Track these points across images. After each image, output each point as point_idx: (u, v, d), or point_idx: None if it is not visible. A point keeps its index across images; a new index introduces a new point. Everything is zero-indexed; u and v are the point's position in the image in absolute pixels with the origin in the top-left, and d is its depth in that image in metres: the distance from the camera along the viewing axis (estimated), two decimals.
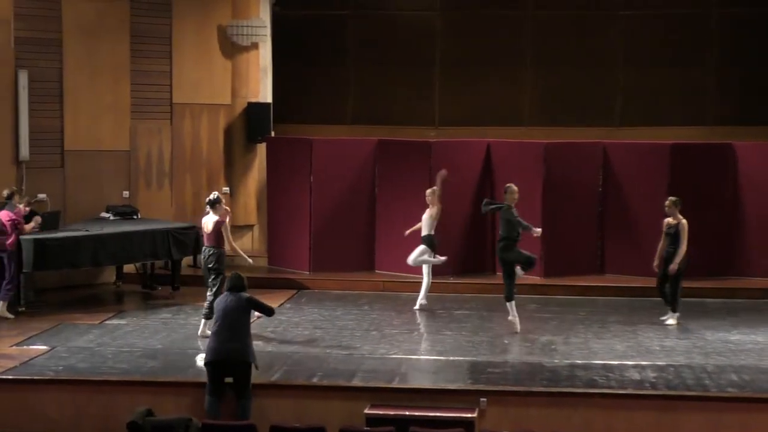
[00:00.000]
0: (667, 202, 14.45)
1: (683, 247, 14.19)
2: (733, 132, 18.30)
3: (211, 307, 12.96)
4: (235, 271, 11.60)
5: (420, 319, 14.84)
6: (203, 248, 13.69)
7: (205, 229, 13.57)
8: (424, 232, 15.12)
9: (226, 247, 13.58)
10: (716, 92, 18.94)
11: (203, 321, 13.49)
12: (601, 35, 19.11)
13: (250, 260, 14.39)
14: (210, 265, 13.48)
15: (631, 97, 19.05)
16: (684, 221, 14.27)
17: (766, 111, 18.71)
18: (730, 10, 18.93)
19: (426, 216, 15.12)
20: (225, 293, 11.21)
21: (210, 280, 13.49)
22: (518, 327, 13.79)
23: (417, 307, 15.18)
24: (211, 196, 13.59)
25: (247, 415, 10.63)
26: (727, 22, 18.92)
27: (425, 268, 15.24)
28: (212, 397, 10.79)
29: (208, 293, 13.47)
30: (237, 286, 11.16)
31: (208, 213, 13.54)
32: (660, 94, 18.95)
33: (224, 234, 13.44)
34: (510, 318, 13.84)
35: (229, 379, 10.87)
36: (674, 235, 14.26)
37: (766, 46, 18.76)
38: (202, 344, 12.82)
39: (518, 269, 13.88)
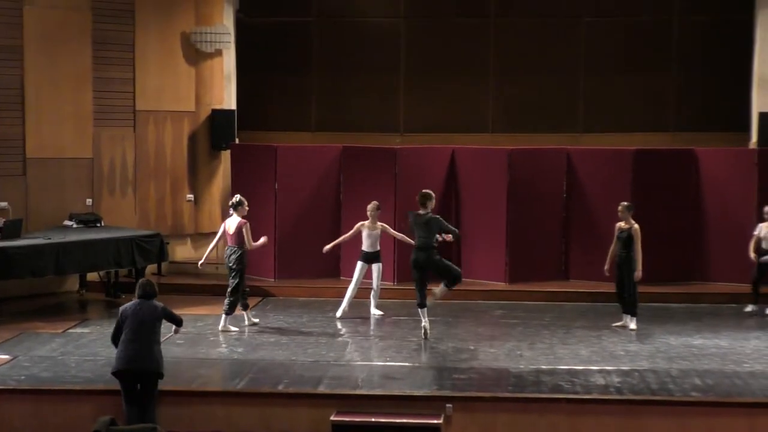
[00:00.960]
0: (620, 207, 14.54)
1: (639, 252, 14.27)
2: (694, 138, 18.44)
3: (231, 305, 14.27)
4: (146, 278, 11.59)
5: (386, 325, 14.82)
6: (226, 248, 14.44)
7: (228, 231, 14.36)
8: (376, 248, 15.10)
9: (247, 247, 14.31)
10: (678, 99, 19.08)
11: (224, 317, 14.31)
12: (564, 42, 19.21)
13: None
14: (231, 265, 14.29)
15: (594, 103, 19.15)
16: (636, 226, 14.37)
17: (727, 117, 18.88)
18: (692, 18, 19.08)
19: (374, 233, 15.09)
20: (136, 300, 11.03)
21: (230, 278, 14.29)
22: (428, 333, 13.73)
23: (340, 314, 15.18)
24: (234, 199, 14.45)
25: (153, 420, 10.53)
26: (688, 29, 19.07)
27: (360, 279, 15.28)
28: (129, 406, 10.63)
29: (229, 290, 14.30)
30: (148, 293, 11.03)
31: (231, 215, 14.42)
32: (623, 100, 19.07)
33: (245, 235, 14.22)
34: (423, 324, 13.78)
35: None
36: (626, 239, 14.35)
37: (726, 52, 18.93)
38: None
39: (443, 286, 13.82)
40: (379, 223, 15.21)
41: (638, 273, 14.26)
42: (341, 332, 14.38)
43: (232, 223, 14.35)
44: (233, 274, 14.32)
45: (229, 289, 14.32)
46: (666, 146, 18.27)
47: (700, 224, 17.33)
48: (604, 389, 11.44)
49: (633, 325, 14.42)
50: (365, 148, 17.71)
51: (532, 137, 18.66)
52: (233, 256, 14.31)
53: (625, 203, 14.58)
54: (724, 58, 18.93)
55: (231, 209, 14.47)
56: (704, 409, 10.88)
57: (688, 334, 14.23)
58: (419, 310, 13.80)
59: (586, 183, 17.32)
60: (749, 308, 15.74)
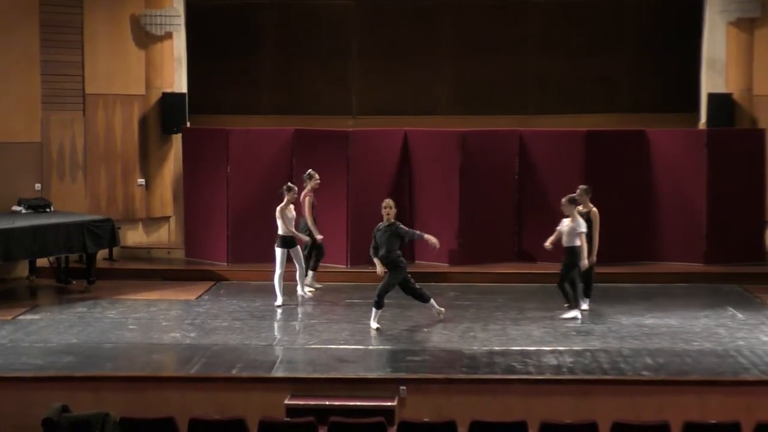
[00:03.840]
0: (577, 190, 14.58)
1: (596, 237, 14.33)
2: (645, 119, 18.57)
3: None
4: None
5: (339, 308, 14.83)
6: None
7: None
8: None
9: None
10: (629, 80, 19.21)
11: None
12: (516, 24, 19.25)
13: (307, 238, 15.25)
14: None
15: (545, 85, 19.23)
16: (594, 209, 14.41)
17: (677, 99, 19.05)
18: None
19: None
20: None
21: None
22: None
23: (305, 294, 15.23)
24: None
25: None
26: (639, 10, 19.19)
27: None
28: None
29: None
30: None
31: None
32: (574, 82, 19.16)
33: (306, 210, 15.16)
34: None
35: None
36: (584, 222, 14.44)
37: (676, 34, 19.07)
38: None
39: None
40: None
41: (592, 258, 14.31)
42: (294, 316, 14.36)
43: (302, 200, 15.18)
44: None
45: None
46: (617, 127, 18.39)
47: (651, 205, 17.48)
48: (557, 369, 11.53)
49: (585, 306, 14.51)
50: (317, 132, 17.66)
51: (484, 119, 18.69)
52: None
53: (583, 186, 14.59)
54: (674, 39, 19.07)
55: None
56: (655, 388, 11.01)
57: (639, 314, 14.37)
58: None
59: (539, 164, 17.40)
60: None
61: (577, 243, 13.95)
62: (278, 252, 14.87)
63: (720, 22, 18.38)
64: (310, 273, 15.70)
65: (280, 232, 14.86)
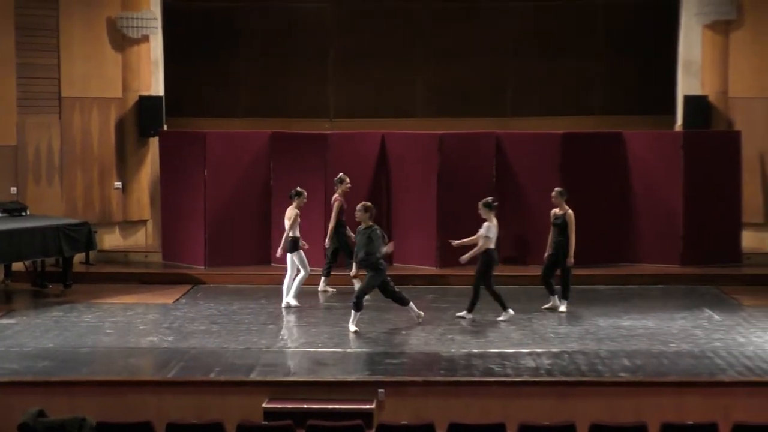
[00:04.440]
0: (553, 193, 14.65)
1: (573, 238, 14.37)
2: (621, 121, 18.65)
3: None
4: None
5: (317, 312, 14.80)
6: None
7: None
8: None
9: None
10: (605, 82, 19.28)
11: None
12: (492, 27, 19.30)
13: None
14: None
15: (521, 88, 19.28)
16: (570, 212, 14.47)
17: (653, 101, 19.13)
18: (618, 2, 19.27)
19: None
20: None
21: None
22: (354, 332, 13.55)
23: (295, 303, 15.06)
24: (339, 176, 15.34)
25: None
26: (614, 13, 19.26)
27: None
28: None
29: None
30: None
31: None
32: (550, 84, 19.23)
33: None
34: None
35: None
36: (561, 225, 14.48)
37: (652, 37, 19.15)
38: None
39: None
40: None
41: (570, 259, 14.38)
42: (272, 319, 14.32)
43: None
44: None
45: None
46: (593, 130, 18.46)
47: (628, 207, 17.53)
48: (535, 371, 11.54)
49: (563, 308, 14.55)
50: (295, 134, 17.64)
51: (461, 121, 18.74)
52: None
53: (558, 189, 14.66)
54: (649, 42, 19.16)
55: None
56: (633, 389, 11.04)
57: (617, 316, 14.41)
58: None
59: (516, 166, 17.42)
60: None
61: (491, 246, 13.95)
62: (289, 256, 14.81)
63: (696, 24, 18.47)
64: (322, 278, 15.70)
65: (289, 234, 14.77)
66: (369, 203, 13.71)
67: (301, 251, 14.75)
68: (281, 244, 14.77)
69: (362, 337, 13.18)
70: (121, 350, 12.60)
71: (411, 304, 13.82)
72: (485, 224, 13.99)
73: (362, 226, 13.47)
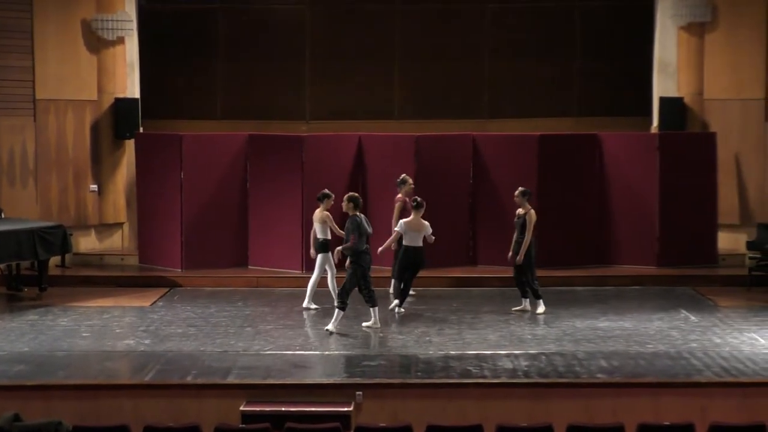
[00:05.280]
0: (516, 193, 14.71)
1: (527, 238, 14.44)
2: (598, 123, 18.72)
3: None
4: None
5: (295, 314, 14.78)
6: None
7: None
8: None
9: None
10: (581, 84, 19.35)
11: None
12: (470, 28, 19.33)
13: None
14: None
15: (499, 89, 19.32)
16: (532, 211, 14.56)
17: (629, 102, 19.21)
18: (594, 3, 19.35)
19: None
20: None
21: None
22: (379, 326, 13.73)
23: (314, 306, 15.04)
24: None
25: None
26: (590, 14, 19.34)
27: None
28: None
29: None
30: None
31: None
32: (527, 86, 19.27)
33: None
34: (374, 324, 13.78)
35: None
36: (522, 224, 14.54)
37: (628, 38, 19.23)
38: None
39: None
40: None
41: (519, 257, 14.44)
42: (250, 322, 14.29)
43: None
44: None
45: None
46: (570, 131, 18.51)
47: (604, 208, 17.59)
48: (512, 373, 11.56)
49: (540, 309, 14.58)
50: (271, 136, 17.62)
51: (438, 123, 18.76)
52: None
53: (521, 189, 14.75)
54: (625, 43, 19.24)
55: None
56: (610, 390, 11.08)
57: (594, 317, 14.45)
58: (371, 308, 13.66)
59: (493, 169, 17.46)
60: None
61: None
62: (319, 257, 14.75)
63: (671, 26, 18.55)
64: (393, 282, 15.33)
65: (318, 236, 14.74)
66: (354, 193, 13.80)
67: (329, 254, 14.68)
68: (311, 245, 14.80)
69: (339, 340, 13.17)
70: (97, 354, 12.55)
71: (376, 310, 13.73)
72: (400, 222, 14.56)
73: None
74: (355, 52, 19.29)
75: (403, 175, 15.74)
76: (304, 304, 14.91)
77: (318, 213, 14.68)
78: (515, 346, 12.81)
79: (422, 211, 14.62)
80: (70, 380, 11.29)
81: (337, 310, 13.46)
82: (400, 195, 15.58)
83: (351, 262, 13.48)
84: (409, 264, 14.65)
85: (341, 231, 14.11)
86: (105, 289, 16.38)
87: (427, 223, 14.59)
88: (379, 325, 13.70)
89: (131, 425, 9.58)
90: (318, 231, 14.70)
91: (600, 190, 17.58)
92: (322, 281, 14.83)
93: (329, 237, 14.69)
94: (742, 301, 15.50)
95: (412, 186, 15.67)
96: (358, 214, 13.56)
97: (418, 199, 14.72)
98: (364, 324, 13.73)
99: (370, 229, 13.65)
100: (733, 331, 13.53)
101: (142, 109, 18.61)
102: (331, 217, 14.66)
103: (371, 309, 13.69)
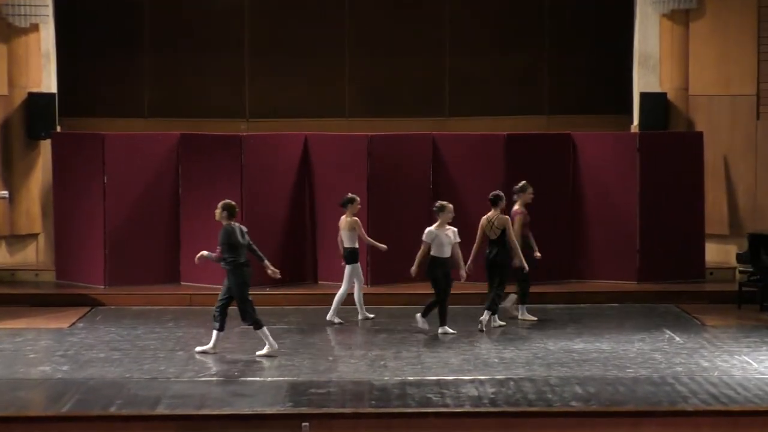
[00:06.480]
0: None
1: (475, 248, 14.95)
2: (572, 122, 18.85)
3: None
4: None
5: (233, 336, 14.70)
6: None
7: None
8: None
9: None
10: (552, 79, 19.45)
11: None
12: (428, 20, 19.40)
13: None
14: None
15: (460, 85, 19.39)
16: (483, 219, 14.87)
17: (607, 99, 19.34)
18: None
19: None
20: None
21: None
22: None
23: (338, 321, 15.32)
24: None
25: None
26: (560, 8, 19.44)
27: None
28: None
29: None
30: None
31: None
32: (492, 82, 19.35)
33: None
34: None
35: None
36: (503, 230, 14.77)
37: (606, 27, 19.35)
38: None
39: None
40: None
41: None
42: (182, 345, 14.21)
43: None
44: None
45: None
46: (541, 131, 18.59)
47: (579, 216, 17.68)
48: (477, 401, 11.56)
49: (519, 314, 15.28)
50: (206, 136, 17.58)
51: (394, 122, 18.82)
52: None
53: (440, 203, 14.97)
54: (602, 34, 19.36)
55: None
56: (586, 420, 11.08)
57: (568, 338, 14.50)
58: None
59: (454, 171, 17.50)
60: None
61: None
62: (347, 269, 15.16)
63: (652, 14, 18.69)
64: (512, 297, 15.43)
65: (346, 245, 15.11)
66: (229, 201, 13.63)
67: (358, 265, 15.21)
68: (341, 253, 15.23)
69: (284, 365, 13.12)
70: (7, 382, 12.41)
71: (265, 330, 13.57)
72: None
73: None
74: (301, 45, 19.30)
75: (523, 182, 15.43)
76: (328, 317, 15.27)
77: (344, 220, 15.11)
78: (480, 370, 12.81)
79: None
80: (26, 411, 11.12)
81: (262, 330, 13.40)
82: (517, 206, 15.29)
83: (228, 276, 13.41)
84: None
85: (370, 239, 15.01)
86: (17, 308, 16.25)
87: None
88: (276, 347, 13.51)
89: None
90: (345, 239, 15.15)
91: (574, 196, 17.66)
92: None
93: (357, 246, 15.12)
94: (731, 319, 15.62)
95: (532, 195, 15.33)
96: (232, 223, 13.51)
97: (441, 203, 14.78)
98: (258, 353, 13.57)
99: (243, 241, 13.53)
100: (723, 354, 13.62)
101: (60, 106, 18.52)
102: (360, 223, 15.09)
103: (258, 331, 13.51)
